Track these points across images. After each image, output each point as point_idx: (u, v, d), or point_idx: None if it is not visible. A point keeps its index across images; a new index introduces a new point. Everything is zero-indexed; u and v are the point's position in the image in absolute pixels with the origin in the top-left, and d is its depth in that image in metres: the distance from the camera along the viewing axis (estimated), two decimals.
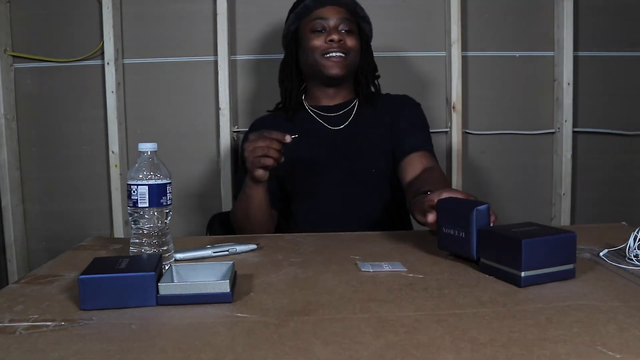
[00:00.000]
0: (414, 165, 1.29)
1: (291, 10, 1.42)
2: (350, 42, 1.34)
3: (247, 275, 0.83)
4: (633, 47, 1.93)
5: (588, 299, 0.69)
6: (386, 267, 0.85)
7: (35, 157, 1.96)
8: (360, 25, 1.40)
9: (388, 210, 1.38)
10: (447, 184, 1.26)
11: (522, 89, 1.94)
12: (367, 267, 0.85)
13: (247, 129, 1.93)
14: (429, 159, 1.32)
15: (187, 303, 0.69)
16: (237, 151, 1.94)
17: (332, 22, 1.34)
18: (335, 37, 1.32)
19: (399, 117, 1.40)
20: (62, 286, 0.78)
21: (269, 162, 1.08)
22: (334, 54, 1.32)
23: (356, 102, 1.42)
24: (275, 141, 1.07)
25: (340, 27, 1.34)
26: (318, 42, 1.33)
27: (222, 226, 1.43)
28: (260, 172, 1.12)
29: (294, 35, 1.41)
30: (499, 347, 0.55)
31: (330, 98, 1.41)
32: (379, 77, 1.45)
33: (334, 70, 1.33)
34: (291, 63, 1.42)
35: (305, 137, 1.34)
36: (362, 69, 1.41)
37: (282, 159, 1.10)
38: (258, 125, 1.44)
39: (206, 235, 1.41)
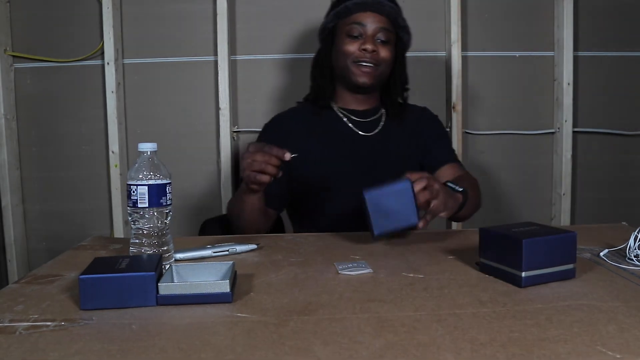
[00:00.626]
0: (446, 177, 1.32)
1: (332, 6, 1.39)
2: (384, 53, 1.32)
3: (247, 275, 0.83)
4: (633, 47, 1.93)
5: (588, 299, 0.69)
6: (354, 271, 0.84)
7: (35, 157, 1.96)
8: (399, 34, 1.37)
9: None
10: (474, 188, 1.29)
11: (522, 89, 1.94)
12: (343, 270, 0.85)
13: (246, 129, 1.95)
14: (459, 170, 1.37)
15: (187, 303, 0.69)
16: (237, 151, 1.94)
17: (369, 29, 1.30)
18: (369, 46, 1.29)
19: (423, 130, 1.41)
20: (62, 286, 0.78)
21: (265, 179, 1.05)
22: (364, 64, 1.30)
23: (383, 111, 1.41)
24: (274, 157, 1.03)
25: (377, 36, 1.31)
26: (352, 47, 1.31)
27: (214, 231, 1.40)
28: (254, 187, 1.10)
29: (330, 32, 1.38)
30: (498, 347, 0.55)
31: (358, 102, 1.39)
32: (408, 89, 1.44)
33: (362, 79, 1.31)
34: (325, 60, 1.39)
35: (332, 138, 1.35)
36: (394, 80, 1.39)
37: (280, 174, 1.06)
38: (277, 122, 1.42)
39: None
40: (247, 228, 1.24)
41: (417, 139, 1.40)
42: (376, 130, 1.38)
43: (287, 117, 1.43)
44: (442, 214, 1.05)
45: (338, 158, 1.34)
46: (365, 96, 1.39)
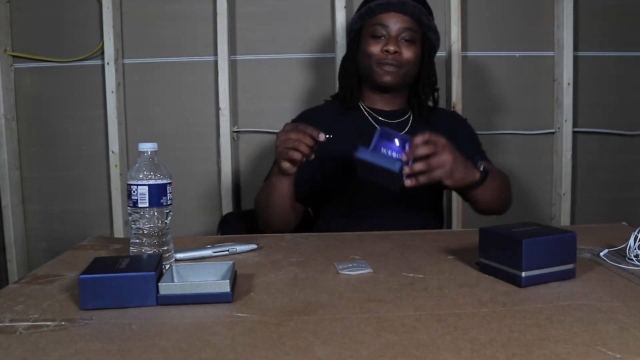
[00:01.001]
0: None
1: (359, 8, 1.39)
2: (407, 53, 1.30)
3: (247, 275, 0.83)
4: (633, 47, 1.93)
5: (588, 299, 0.69)
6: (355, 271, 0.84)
7: (35, 157, 1.96)
8: (425, 34, 1.34)
9: (430, 227, 1.32)
10: (503, 179, 1.27)
11: (522, 89, 1.94)
12: (344, 270, 0.85)
13: (247, 129, 1.94)
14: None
15: (187, 303, 0.69)
16: (237, 151, 1.94)
17: (392, 30, 1.29)
18: (391, 47, 1.28)
19: (451, 131, 1.33)
20: (62, 286, 0.78)
21: (297, 156, 1.05)
22: (387, 65, 1.29)
23: (410, 113, 1.39)
24: (308, 136, 1.04)
25: (401, 36, 1.30)
26: (375, 49, 1.30)
27: (233, 226, 1.39)
28: (286, 165, 1.09)
29: (357, 34, 1.38)
30: (498, 347, 0.55)
31: (385, 102, 1.38)
32: (438, 89, 1.41)
33: (386, 78, 1.30)
34: (352, 61, 1.39)
35: (358, 138, 1.29)
36: (421, 81, 1.37)
37: (312, 157, 1.07)
38: (305, 117, 1.40)
39: (217, 234, 1.40)
40: (275, 220, 1.22)
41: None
42: (403, 132, 1.32)
43: (316, 113, 1.42)
44: (447, 182, 1.04)
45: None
46: (392, 96, 1.37)
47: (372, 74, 1.32)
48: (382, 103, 1.38)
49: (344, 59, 1.43)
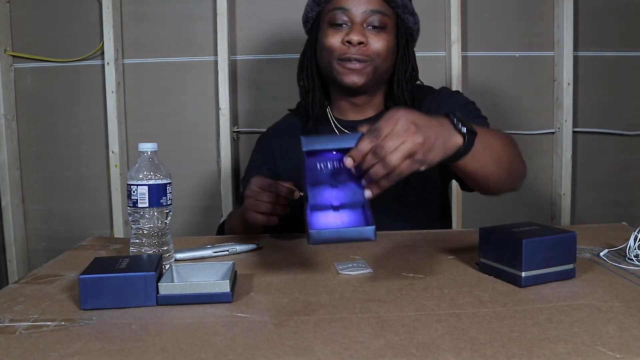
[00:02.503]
0: None
1: None
2: (376, 44, 1.04)
3: (247, 275, 0.83)
4: (633, 47, 1.93)
5: (588, 299, 0.69)
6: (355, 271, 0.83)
7: (35, 157, 1.96)
8: (400, 16, 1.08)
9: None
10: (504, 140, 0.93)
11: (522, 89, 1.94)
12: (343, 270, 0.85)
13: (247, 129, 1.94)
14: None
15: (187, 303, 0.69)
16: (237, 151, 1.94)
17: (356, 15, 1.03)
18: (354, 37, 1.02)
19: (437, 111, 1.07)
20: (62, 286, 0.78)
21: (274, 220, 0.94)
22: (351, 61, 1.04)
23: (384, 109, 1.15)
24: (282, 197, 0.93)
25: (368, 21, 1.03)
26: (334, 40, 1.05)
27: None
28: (259, 228, 1.00)
29: (314, 22, 1.12)
30: (499, 347, 0.55)
31: (358, 110, 1.14)
32: (417, 82, 1.15)
33: (350, 79, 1.05)
34: (310, 58, 1.13)
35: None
36: (397, 76, 1.10)
37: (287, 210, 0.95)
38: (269, 136, 1.23)
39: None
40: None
41: None
42: None
43: (278, 133, 1.23)
44: (424, 167, 0.72)
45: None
46: (365, 99, 1.13)
47: (333, 73, 1.07)
48: (354, 112, 1.14)
49: (301, 58, 1.16)
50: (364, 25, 1.04)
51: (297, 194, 0.92)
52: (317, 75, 1.13)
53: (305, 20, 1.16)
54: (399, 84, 1.10)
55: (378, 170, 0.69)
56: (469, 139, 0.78)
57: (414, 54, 1.14)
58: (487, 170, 0.87)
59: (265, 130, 1.32)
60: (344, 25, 1.05)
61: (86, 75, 1.92)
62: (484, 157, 0.84)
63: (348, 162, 0.69)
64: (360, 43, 1.03)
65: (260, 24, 1.91)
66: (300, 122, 1.20)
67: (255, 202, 0.95)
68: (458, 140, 0.78)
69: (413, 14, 1.11)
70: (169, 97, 1.93)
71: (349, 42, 1.03)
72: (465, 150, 0.79)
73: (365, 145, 0.69)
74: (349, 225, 0.72)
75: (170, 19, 1.90)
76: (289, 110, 1.27)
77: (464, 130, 0.78)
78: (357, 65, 1.05)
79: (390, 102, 1.13)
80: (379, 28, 1.05)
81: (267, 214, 0.95)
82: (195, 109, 1.93)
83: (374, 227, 0.68)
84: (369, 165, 0.69)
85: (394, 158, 0.68)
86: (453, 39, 1.85)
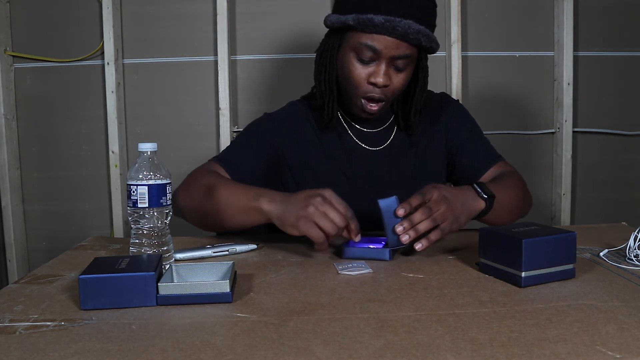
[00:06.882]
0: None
1: (344, 3, 1.07)
2: (398, 83, 1.07)
3: (247, 275, 0.83)
4: (633, 47, 1.93)
5: (588, 299, 0.69)
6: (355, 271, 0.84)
7: (35, 157, 1.96)
8: (425, 49, 1.09)
9: None
10: (515, 186, 1.10)
11: (522, 89, 1.94)
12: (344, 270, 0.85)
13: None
14: (505, 167, 1.19)
15: (187, 303, 0.69)
16: None
17: (384, 56, 1.03)
18: (380, 80, 1.04)
19: (447, 132, 1.21)
20: (62, 286, 0.78)
21: (323, 247, 0.88)
22: (372, 100, 1.08)
23: (393, 116, 1.21)
24: (344, 226, 0.88)
25: (394, 62, 1.05)
26: (360, 76, 1.06)
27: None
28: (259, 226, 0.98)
29: (344, 30, 1.07)
30: (499, 347, 0.55)
31: (366, 120, 1.19)
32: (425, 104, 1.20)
33: (367, 113, 1.11)
34: (331, 64, 1.11)
35: (332, 152, 1.17)
36: (415, 105, 1.15)
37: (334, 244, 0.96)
38: (281, 127, 1.18)
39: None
40: (221, 229, 1.05)
41: (439, 147, 1.21)
42: (385, 144, 1.19)
43: (290, 124, 1.20)
44: (454, 228, 0.93)
45: (336, 177, 1.17)
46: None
47: (353, 102, 1.11)
48: (362, 121, 1.19)
49: (321, 57, 1.13)
50: (389, 65, 1.05)
51: (359, 238, 0.91)
52: (335, 85, 1.13)
53: (331, 24, 1.10)
54: (416, 111, 1.16)
55: (428, 224, 0.88)
56: (490, 203, 0.98)
57: (426, 84, 1.16)
58: (502, 218, 1.05)
59: (267, 113, 1.24)
60: (369, 62, 1.05)
61: (86, 75, 1.92)
62: (500, 210, 1.02)
63: (400, 212, 0.88)
64: (384, 85, 1.06)
65: (260, 24, 1.91)
66: (310, 115, 1.20)
67: (323, 214, 0.86)
68: (481, 204, 0.98)
69: (437, 44, 1.10)
70: (169, 97, 1.93)
71: (374, 83, 1.05)
72: (487, 211, 0.99)
73: (420, 212, 0.89)
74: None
75: (170, 19, 1.90)
76: (290, 102, 1.26)
77: (485, 196, 0.97)
78: (377, 106, 1.09)
79: (401, 119, 1.19)
80: (402, 69, 1.07)
81: (327, 236, 0.86)
82: (195, 109, 1.93)
83: (389, 249, 0.90)
84: (419, 220, 0.88)
85: (439, 217, 0.89)
86: (453, 39, 1.85)
